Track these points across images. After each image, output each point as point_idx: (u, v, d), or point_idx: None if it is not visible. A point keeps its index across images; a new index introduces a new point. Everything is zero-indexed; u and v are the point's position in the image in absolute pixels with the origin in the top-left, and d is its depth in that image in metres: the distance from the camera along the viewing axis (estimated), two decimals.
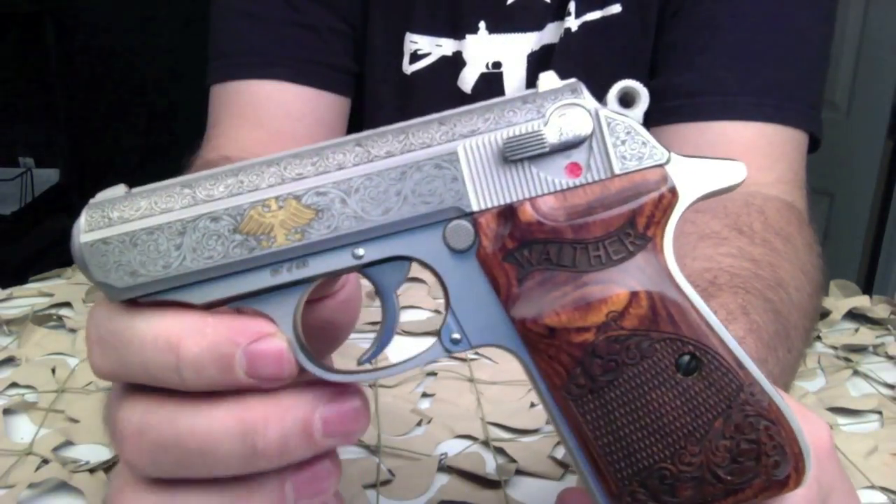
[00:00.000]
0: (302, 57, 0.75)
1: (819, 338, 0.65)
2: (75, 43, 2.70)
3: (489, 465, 0.47)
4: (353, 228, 0.28)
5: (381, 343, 0.30)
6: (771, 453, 0.28)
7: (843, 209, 1.87)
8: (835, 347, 0.64)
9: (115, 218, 0.28)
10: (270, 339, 0.27)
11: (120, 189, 0.29)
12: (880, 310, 0.69)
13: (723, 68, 0.68)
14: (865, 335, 0.65)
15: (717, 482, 0.28)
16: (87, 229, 0.28)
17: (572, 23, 0.73)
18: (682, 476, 0.28)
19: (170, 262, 0.28)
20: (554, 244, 0.28)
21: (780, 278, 0.51)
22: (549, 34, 0.75)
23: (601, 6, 0.73)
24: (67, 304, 0.70)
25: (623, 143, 0.28)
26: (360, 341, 0.63)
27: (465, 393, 0.55)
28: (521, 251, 0.28)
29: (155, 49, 2.66)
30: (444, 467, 0.47)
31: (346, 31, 0.77)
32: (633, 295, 0.28)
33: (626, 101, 0.29)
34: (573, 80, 0.29)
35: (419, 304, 0.68)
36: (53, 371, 0.59)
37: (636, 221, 0.28)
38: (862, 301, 0.70)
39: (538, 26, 0.75)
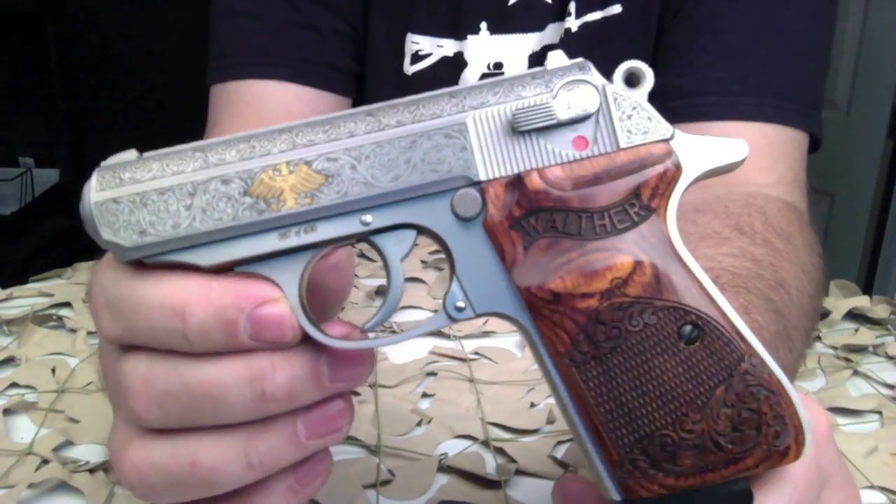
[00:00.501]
0: (303, 57, 0.75)
1: (819, 338, 0.65)
2: (75, 43, 2.69)
3: (489, 465, 0.47)
4: (361, 194, 0.28)
5: (386, 311, 0.30)
6: (772, 423, 0.28)
7: (843, 209, 1.87)
8: (835, 347, 0.64)
9: (126, 178, 0.28)
10: (274, 304, 0.28)
11: (131, 154, 0.29)
12: (880, 310, 0.69)
13: (723, 69, 0.68)
14: (865, 335, 0.65)
15: (718, 450, 0.28)
16: (98, 189, 0.28)
17: (573, 23, 0.73)
18: (683, 443, 0.28)
19: (179, 222, 0.28)
20: (560, 212, 0.29)
21: (782, 278, 0.51)
22: (550, 34, 0.75)
23: (602, 7, 0.73)
24: (67, 304, 0.70)
25: (629, 118, 0.29)
26: None
27: (465, 393, 0.55)
28: (527, 219, 0.29)
29: (155, 48, 2.66)
30: (444, 467, 0.47)
31: (346, 32, 0.77)
32: (638, 263, 0.29)
33: (632, 81, 0.30)
34: (580, 59, 0.30)
35: (419, 304, 0.68)
36: (53, 371, 0.59)
37: (641, 193, 0.29)
38: (862, 301, 0.70)
39: (539, 27, 0.75)
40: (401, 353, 0.61)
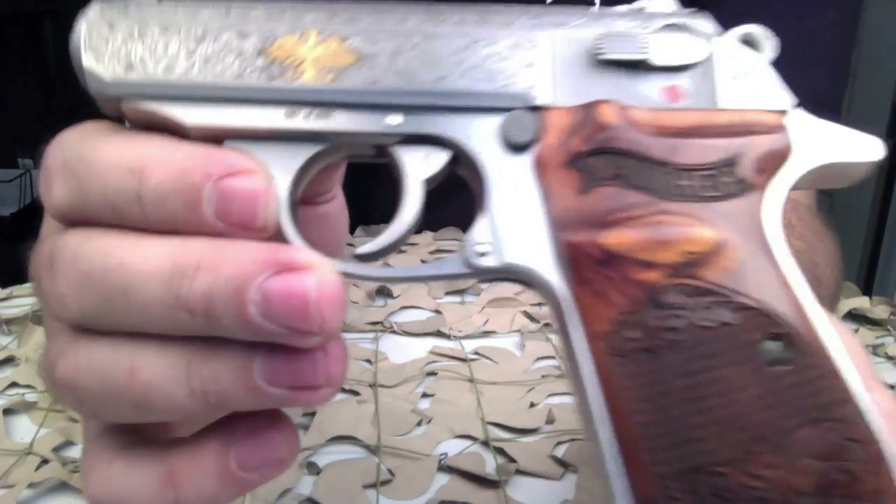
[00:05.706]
0: None
1: None
2: None
3: (489, 465, 0.47)
4: (396, 86, 0.23)
5: (390, 238, 0.25)
6: (865, 498, 0.20)
7: (843, 209, 1.87)
8: None
9: (132, 11, 0.25)
10: (250, 176, 0.22)
11: None
12: (880, 310, 0.69)
13: None
14: (865, 336, 0.65)
15: None
16: (98, 10, 0.25)
17: None
18: (745, 493, 0.20)
19: (173, 65, 0.23)
20: (633, 159, 0.23)
21: (819, 275, 0.51)
22: None
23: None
24: None
25: (742, 77, 0.25)
26: (361, 341, 0.63)
27: (465, 393, 0.55)
28: (591, 157, 0.23)
29: None
30: (444, 467, 0.47)
31: None
32: (722, 242, 0.22)
33: (748, 45, 0.26)
34: (697, 10, 0.26)
35: (419, 304, 0.68)
36: None
37: (739, 162, 0.23)
38: (862, 302, 0.70)
39: None
40: (400, 353, 0.61)
